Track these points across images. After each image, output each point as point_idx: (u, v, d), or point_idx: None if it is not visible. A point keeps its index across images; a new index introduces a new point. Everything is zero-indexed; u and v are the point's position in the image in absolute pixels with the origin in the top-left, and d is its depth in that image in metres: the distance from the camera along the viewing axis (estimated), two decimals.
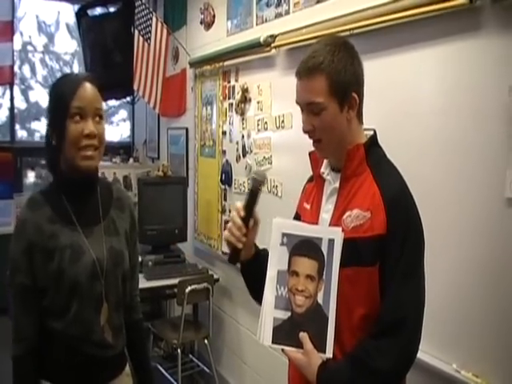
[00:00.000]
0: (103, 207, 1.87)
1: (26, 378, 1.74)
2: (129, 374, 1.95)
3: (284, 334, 1.56)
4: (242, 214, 1.65)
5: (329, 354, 1.51)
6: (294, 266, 1.56)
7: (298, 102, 1.64)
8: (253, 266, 1.73)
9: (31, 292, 1.73)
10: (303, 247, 1.56)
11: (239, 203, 1.67)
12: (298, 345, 1.54)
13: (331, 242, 1.53)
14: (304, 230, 1.58)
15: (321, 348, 1.52)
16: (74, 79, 1.79)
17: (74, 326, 1.74)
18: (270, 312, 1.58)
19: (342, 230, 1.55)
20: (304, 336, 1.53)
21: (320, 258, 1.54)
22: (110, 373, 1.86)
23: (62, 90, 1.74)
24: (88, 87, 1.75)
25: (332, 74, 1.55)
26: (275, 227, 1.60)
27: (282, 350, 1.57)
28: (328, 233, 1.55)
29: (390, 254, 1.51)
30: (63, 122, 1.69)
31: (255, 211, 1.68)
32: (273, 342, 1.57)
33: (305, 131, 1.64)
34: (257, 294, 1.73)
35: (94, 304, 1.77)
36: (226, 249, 4.05)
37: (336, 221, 1.60)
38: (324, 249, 1.53)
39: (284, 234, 1.58)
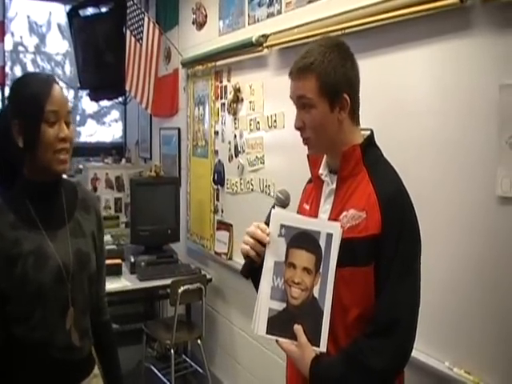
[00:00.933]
0: (68, 209, 1.82)
1: None
2: (97, 374, 1.91)
3: (279, 325, 1.57)
4: (268, 231, 1.61)
5: (323, 347, 1.52)
6: (292, 258, 1.57)
7: (291, 97, 1.66)
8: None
9: None
10: (301, 240, 1.56)
11: (255, 224, 1.64)
12: (292, 337, 1.55)
13: (329, 236, 1.53)
14: (303, 222, 1.59)
15: (315, 342, 1.52)
16: (44, 80, 1.71)
17: (38, 331, 1.70)
18: (265, 302, 1.58)
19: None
20: (298, 329, 1.53)
21: (317, 251, 1.54)
22: (77, 375, 1.82)
23: (33, 92, 1.67)
24: (59, 89, 1.71)
25: (322, 74, 1.56)
26: (274, 218, 1.60)
27: (277, 341, 1.58)
28: (326, 227, 1.56)
29: (384, 254, 1.51)
30: (38, 126, 1.64)
31: None
32: (267, 333, 1.57)
33: (296, 128, 1.65)
34: None
35: (59, 308, 1.73)
36: (218, 249, 4.07)
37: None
38: (322, 242, 1.54)
39: (282, 226, 1.58)
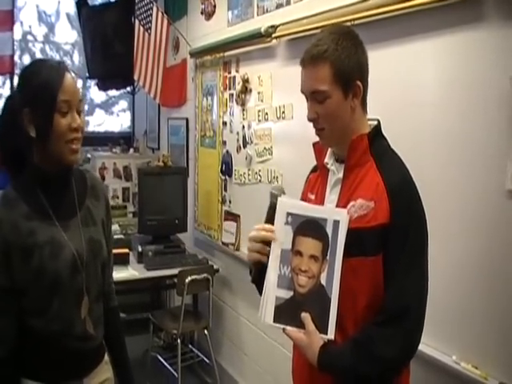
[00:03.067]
0: (79, 198, 1.81)
1: (9, 380, 1.70)
2: (107, 361, 1.93)
3: (286, 313, 1.57)
4: (273, 229, 1.60)
5: (330, 335, 1.52)
6: (298, 245, 1.57)
7: (302, 91, 1.64)
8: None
9: (9, 293, 1.67)
10: (308, 227, 1.55)
11: (257, 227, 1.63)
12: (299, 325, 1.54)
13: (336, 223, 1.52)
14: (309, 210, 1.58)
15: (323, 329, 1.52)
16: (55, 68, 1.68)
17: (56, 323, 1.70)
18: (272, 291, 1.58)
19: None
20: (306, 316, 1.53)
21: (324, 238, 1.53)
22: (91, 363, 1.84)
23: (45, 81, 1.64)
24: (70, 78, 1.68)
25: (336, 61, 1.56)
26: (280, 206, 1.59)
27: (284, 329, 1.57)
28: (333, 214, 1.55)
29: (393, 243, 1.51)
30: (51, 116, 1.63)
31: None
32: (274, 321, 1.57)
33: (309, 119, 1.64)
34: None
35: (75, 298, 1.74)
36: (226, 239, 4.07)
37: None
38: (329, 230, 1.53)
39: (289, 214, 1.58)
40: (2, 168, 1.78)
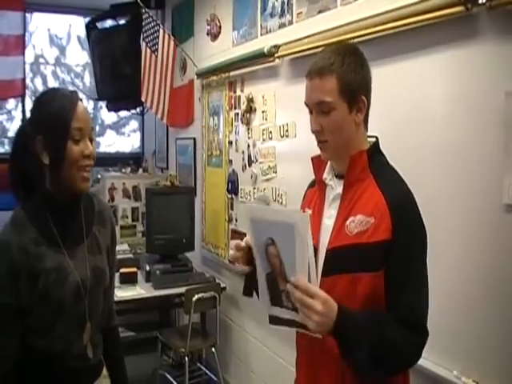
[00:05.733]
0: (86, 225, 1.85)
1: None
2: (106, 375, 1.95)
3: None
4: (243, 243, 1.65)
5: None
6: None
7: (306, 104, 1.66)
8: None
9: (14, 312, 1.70)
10: (265, 230, 1.52)
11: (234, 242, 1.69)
12: (287, 324, 1.56)
13: (290, 225, 1.42)
14: (269, 213, 1.55)
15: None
16: (68, 97, 1.74)
17: (58, 344, 1.74)
18: (265, 292, 1.59)
19: (346, 236, 1.57)
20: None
21: (274, 240, 1.48)
22: (89, 379, 1.86)
23: (59, 109, 1.69)
24: (82, 106, 1.74)
25: (342, 75, 1.58)
26: (246, 212, 1.61)
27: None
28: (286, 216, 1.46)
29: (399, 258, 1.51)
30: (64, 143, 1.68)
31: None
32: (270, 323, 1.59)
33: (313, 131, 1.65)
34: None
35: (77, 324, 1.78)
36: None
37: (339, 227, 1.61)
38: (279, 231, 1.46)
39: (251, 219, 1.58)
40: (9, 190, 1.81)
